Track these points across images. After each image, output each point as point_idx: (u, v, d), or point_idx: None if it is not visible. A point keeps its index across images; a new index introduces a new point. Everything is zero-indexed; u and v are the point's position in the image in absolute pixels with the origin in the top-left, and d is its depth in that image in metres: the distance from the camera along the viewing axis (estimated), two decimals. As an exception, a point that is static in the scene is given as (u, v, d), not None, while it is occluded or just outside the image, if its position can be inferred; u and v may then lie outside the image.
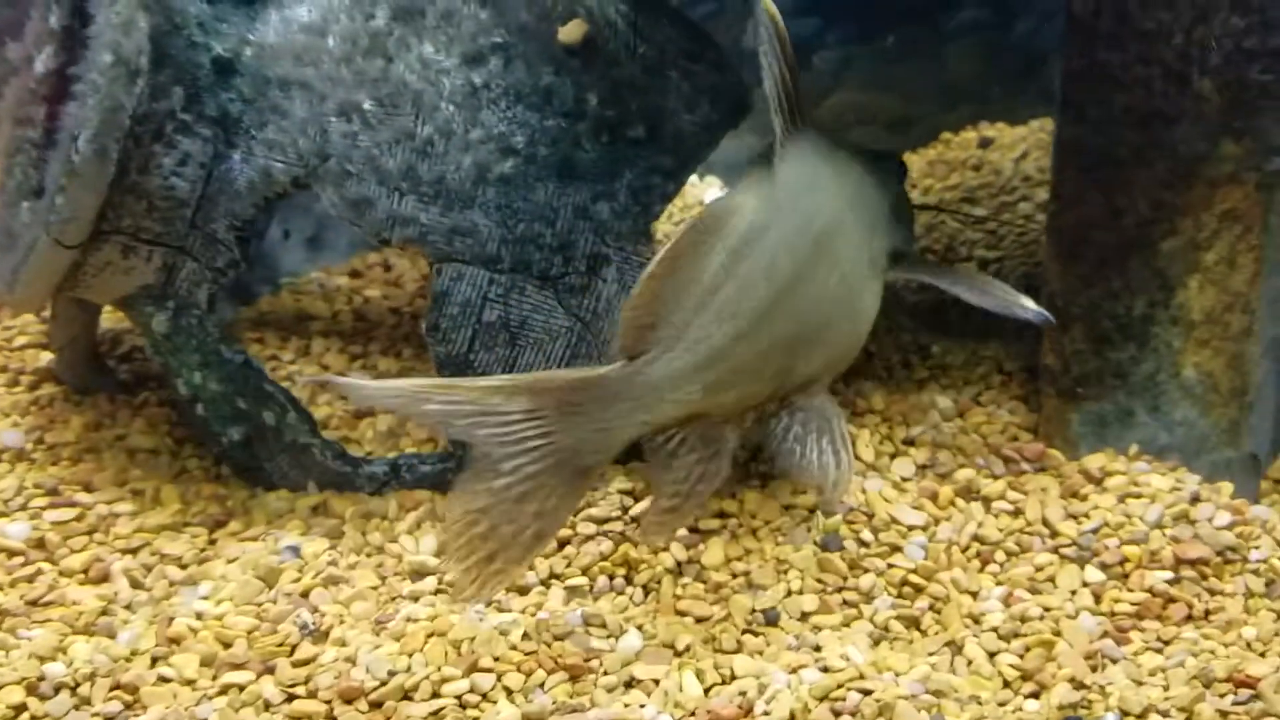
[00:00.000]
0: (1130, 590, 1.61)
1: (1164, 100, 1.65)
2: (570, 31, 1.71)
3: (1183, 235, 1.71)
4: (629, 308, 1.50)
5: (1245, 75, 1.62)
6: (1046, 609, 1.58)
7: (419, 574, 1.62)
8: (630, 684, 1.47)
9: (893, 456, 1.80)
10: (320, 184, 1.67)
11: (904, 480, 1.76)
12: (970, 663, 1.52)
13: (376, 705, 1.43)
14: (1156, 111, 1.66)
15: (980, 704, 1.45)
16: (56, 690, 1.46)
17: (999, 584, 1.62)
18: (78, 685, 1.47)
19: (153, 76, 1.61)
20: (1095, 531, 1.67)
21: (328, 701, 1.44)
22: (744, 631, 1.55)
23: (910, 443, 1.82)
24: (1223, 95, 1.63)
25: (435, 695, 1.45)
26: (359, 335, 2.14)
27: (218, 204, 1.66)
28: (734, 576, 1.61)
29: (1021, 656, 1.52)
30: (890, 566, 1.63)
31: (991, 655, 1.53)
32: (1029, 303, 1.70)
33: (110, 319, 2.07)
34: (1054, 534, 1.69)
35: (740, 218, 1.56)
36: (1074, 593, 1.62)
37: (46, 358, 2.04)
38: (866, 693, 1.45)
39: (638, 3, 1.76)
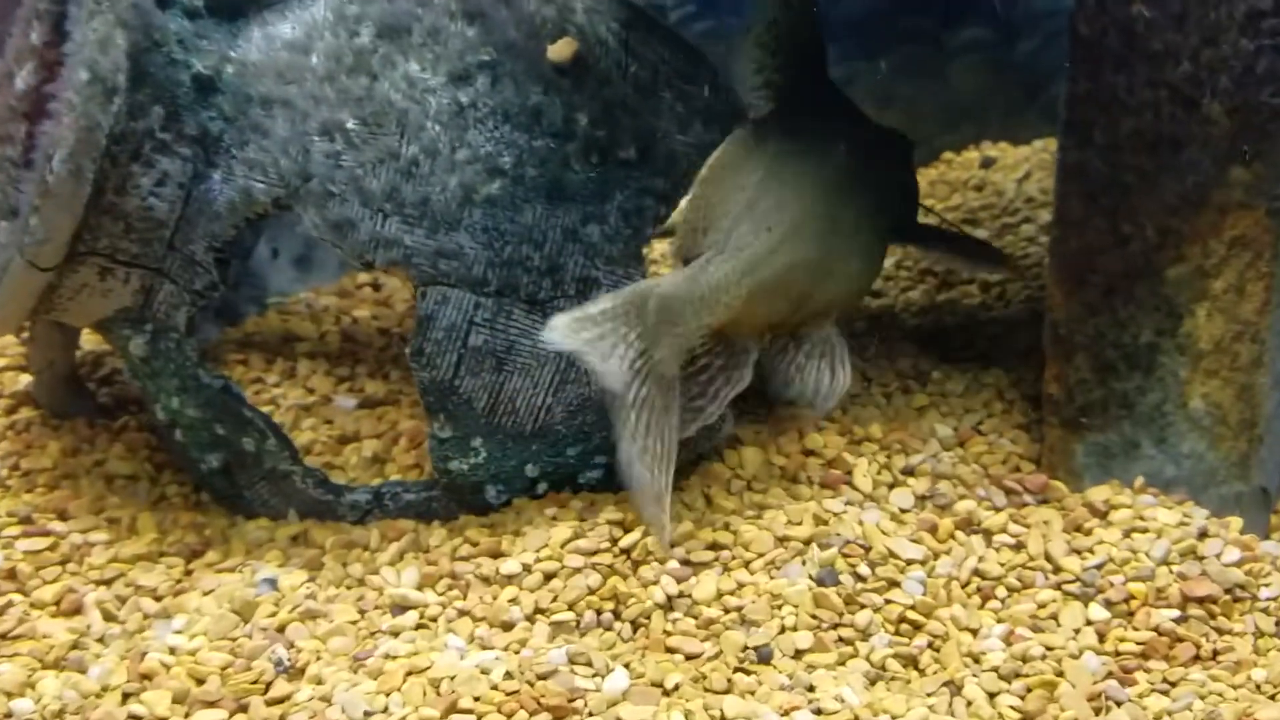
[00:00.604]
0: (1136, 629, 1.56)
1: (1172, 124, 1.61)
2: (560, 50, 1.66)
3: (1190, 262, 1.66)
4: (686, 212, 1.59)
5: (1255, 99, 1.58)
6: (1049, 648, 1.53)
7: (400, 607, 1.57)
8: (616, 726, 1.42)
9: (891, 487, 1.75)
10: (302, 205, 1.62)
11: (902, 512, 1.71)
12: (970, 704, 1.47)
13: (352, 746, 1.39)
14: (1164, 136, 1.62)
15: (979, 749, 1.40)
16: (23, 727, 1.42)
17: (1000, 621, 1.57)
18: (45, 722, 1.43)
19: (131, 95, 1.56)
20: (1100, 567, 1.62)
21: (302, 742, 1.39)
22: (735, 670, 1.50)
23: (909, 472, 1.77)
24: (1232, 119, 1.59)
25: (413, 737, 1.40)
26: (346, 356, 2.09)
27: (197, 225, 1.62)
28: (726, 612, 1.56)
29: (1023, 698, 1.47)
30: (888, 602, 1.58)
31: (992, 696, 1.48)
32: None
33: (91, 339, 2.03)
34: (1057, 569, 1.64)
35: (774, 141, 1.67)
36: (1077, 631, 1.57)
37: (25, 380, 1.99)
38: (861, 737, 1.40)
39: (630, 21, 1.72)
